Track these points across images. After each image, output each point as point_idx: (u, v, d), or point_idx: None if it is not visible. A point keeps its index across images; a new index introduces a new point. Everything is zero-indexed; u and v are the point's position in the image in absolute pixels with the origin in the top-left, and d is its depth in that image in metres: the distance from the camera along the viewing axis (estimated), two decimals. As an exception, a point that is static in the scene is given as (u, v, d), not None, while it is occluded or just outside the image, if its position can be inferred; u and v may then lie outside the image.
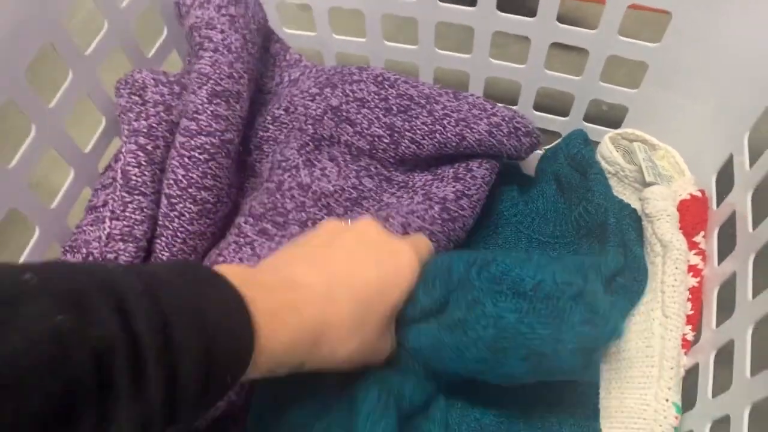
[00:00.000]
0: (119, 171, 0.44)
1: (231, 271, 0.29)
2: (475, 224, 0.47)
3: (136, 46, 0.51)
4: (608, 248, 0.43)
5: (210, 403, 0.27)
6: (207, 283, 0.27)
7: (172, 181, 0.44)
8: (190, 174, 0.44)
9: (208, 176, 0.44)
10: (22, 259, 0.43)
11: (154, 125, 0.46)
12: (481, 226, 0.50)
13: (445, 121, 0.46)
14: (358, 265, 0.33)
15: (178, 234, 0.44)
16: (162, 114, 0.46)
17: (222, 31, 0.47)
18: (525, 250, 0.49)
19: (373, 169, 0.49)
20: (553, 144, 0.52)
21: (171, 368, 0.23)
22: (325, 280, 0.32)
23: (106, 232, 0.43)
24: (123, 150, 0.45)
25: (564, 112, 0.54)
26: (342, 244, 0.35)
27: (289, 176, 0.49)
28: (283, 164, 0.50)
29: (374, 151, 0.48)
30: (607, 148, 0.51)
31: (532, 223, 0.50)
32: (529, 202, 0.51)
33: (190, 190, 0.44)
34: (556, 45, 0.50)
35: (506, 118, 0.46)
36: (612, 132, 0.51)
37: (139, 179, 0.44)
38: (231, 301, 0.27)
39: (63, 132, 0.45)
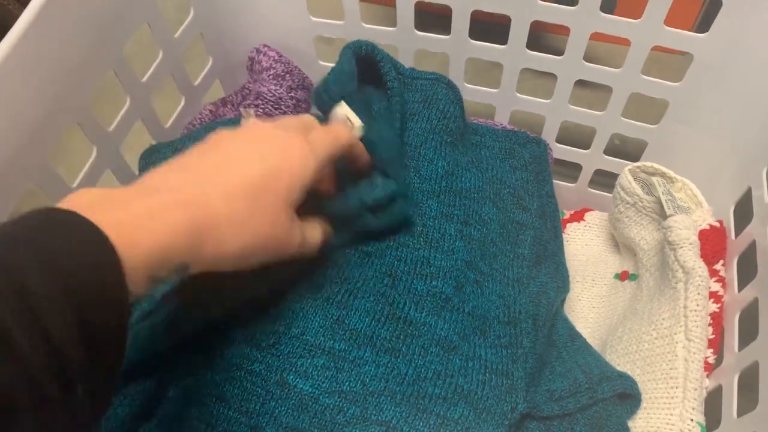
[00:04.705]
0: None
1: (82, 196, 0.28)
2: None
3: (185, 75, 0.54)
4: None
5: (102, 330, 0.25)
6: (40, 218, 0.25)
7: None
8: None
9: None
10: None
11: None
12: None
13: None
14: (236, 162, 0.34)
15: None
16: None
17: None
18: None
19: None
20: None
21: (30, 318, 0.22)
22: (194, 181, 0.32)
23: None
24: None
25: (585, 145, 0.57)
26: (221, 146, 0.35)
27: None
28: None
29: None
30: (627, 179, 0.53)
31: None
32: None
33: None
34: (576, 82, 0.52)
35: None
36: (631, 165, 0.54)
37: None
38: (68, 224, 0.25)
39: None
